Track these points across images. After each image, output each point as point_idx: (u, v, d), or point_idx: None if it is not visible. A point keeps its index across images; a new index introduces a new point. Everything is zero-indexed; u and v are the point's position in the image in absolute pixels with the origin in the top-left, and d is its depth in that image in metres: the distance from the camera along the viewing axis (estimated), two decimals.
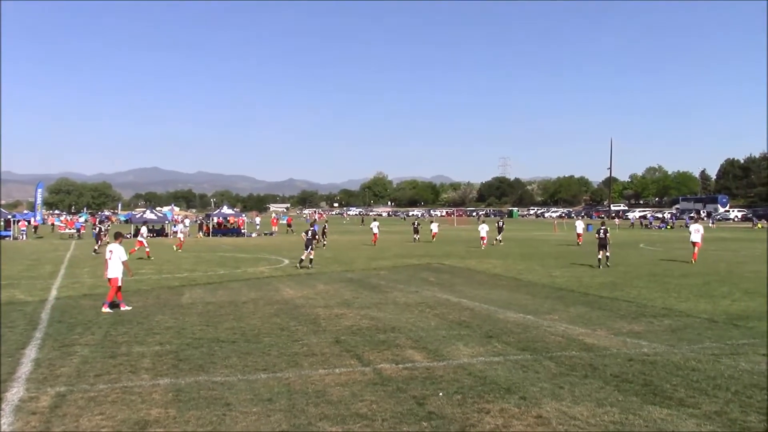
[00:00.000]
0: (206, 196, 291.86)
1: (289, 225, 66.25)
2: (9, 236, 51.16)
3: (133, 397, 7.72)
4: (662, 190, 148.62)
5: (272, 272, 23.09)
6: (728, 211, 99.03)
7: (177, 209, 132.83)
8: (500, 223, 41.11)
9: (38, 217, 71.53)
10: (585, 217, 75.94)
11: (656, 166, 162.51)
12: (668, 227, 69.87)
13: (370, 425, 6.72)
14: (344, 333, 11.58)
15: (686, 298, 15.88)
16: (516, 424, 6.72)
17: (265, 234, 57.84)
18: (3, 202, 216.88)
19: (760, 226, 71.35)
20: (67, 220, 73.78)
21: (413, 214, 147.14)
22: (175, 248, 35.32)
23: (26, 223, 55.86)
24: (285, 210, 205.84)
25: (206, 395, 7.75)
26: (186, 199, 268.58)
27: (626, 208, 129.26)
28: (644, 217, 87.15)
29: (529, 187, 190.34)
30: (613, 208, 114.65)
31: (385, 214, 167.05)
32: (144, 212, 60.40)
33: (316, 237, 27.55)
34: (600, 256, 24.43)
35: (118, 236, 15.40)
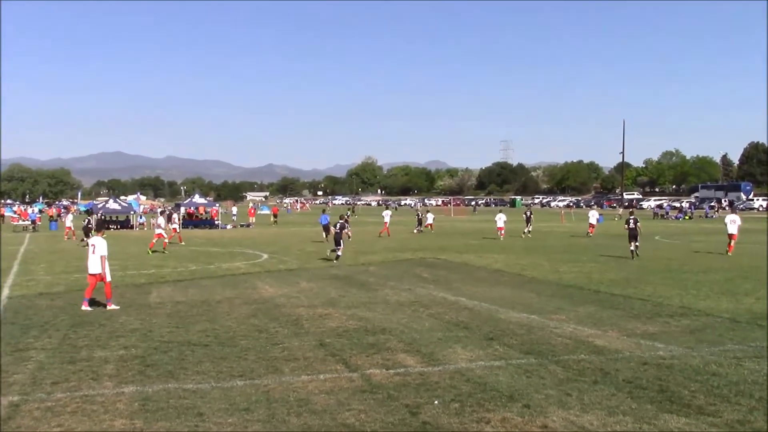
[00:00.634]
0: (176, 183, 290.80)
1: (274, 216, 65.77)
2: None
3: (94, 406, 7.69)
4: (680, 177, 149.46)
5: (249, 268, 23.05)
6: (752, 199, 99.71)
7: (143, 198, 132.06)
8: (528, 213, 41.18)
9: None
10: (596, 206, 76.21)
11: (673, 151, 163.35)
12: (686, 217, 70.26)
13: None
14: (329, 335, 11.58)
15: (706, 295, 16.00)
16: None
17: (242, 226, 57.70)
18: None
19: None
20: (21, 211, 73.22)
21: (406, 204, 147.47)
22: (162, 249, 35.40)
23: None
24: (264, 199, 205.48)
25: (176, 404, 7.73)
26: (153, 186, 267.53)
27: (640, 196, 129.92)
28: (660, 206, 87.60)
29: (533, 174, 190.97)
30: (626, 196, 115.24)
31: (374, 203, 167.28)
32: (107, 202, 60.06)
33: (346, 230, 27.99)
34: (632, 248, 25.91)
35: (100, 228, 15.36)
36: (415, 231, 44.45)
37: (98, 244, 14.71)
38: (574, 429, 6.91)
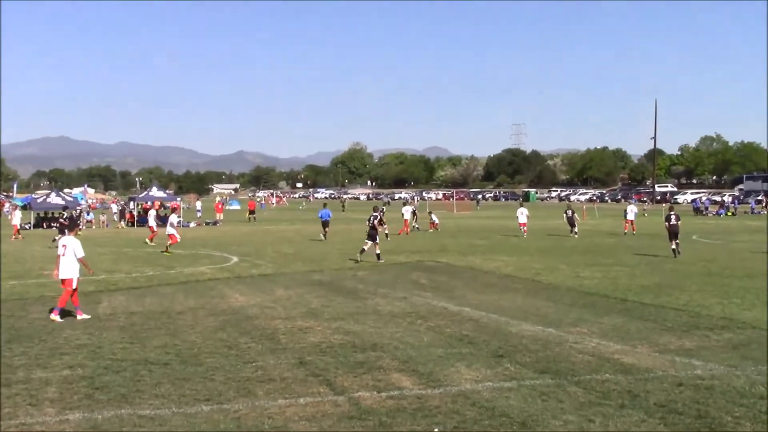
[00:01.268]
0: (130, 174, 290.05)
1: (251, 212, 65.30)
2: None
3: None
4: (721, 166, 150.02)
5: (217, 273, 23.01)
6: None
7: (91, 191, 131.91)
8: (569, 213, 41.41)
9: None
10: (635, 201, 76.57)
11: (714, 136, 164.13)
12: (728, 213, 70.50)
13: None
14: (311, 352, 11.58)
15: (751, 304, 16.07)
16: None
17: (208, 223, 57.61)
18: None
19: None
20: None
21: (401, 198, 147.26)
22: (148, 241, 35.66)
23: None
24: (233, 192, 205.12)
25: None
26: (103, 177, 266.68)
27: (675, 189, 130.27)
28: (698, 200, 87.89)
29: (550, 162, 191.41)
30: (658, 189, 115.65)
31: (363, 197, 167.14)
32: (47, 195, 59.73)
33: (383, 223, 28.63)
34: (673, 246, 27.67)
35: (73, 227, 15.53)
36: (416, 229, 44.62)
37: (71, 245, 14.97)
38: None
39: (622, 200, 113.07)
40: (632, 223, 41.43)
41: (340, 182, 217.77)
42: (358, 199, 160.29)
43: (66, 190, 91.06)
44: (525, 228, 39.82)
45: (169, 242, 30.88)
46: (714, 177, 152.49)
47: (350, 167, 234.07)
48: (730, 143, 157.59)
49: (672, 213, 28.75)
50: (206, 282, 20.81)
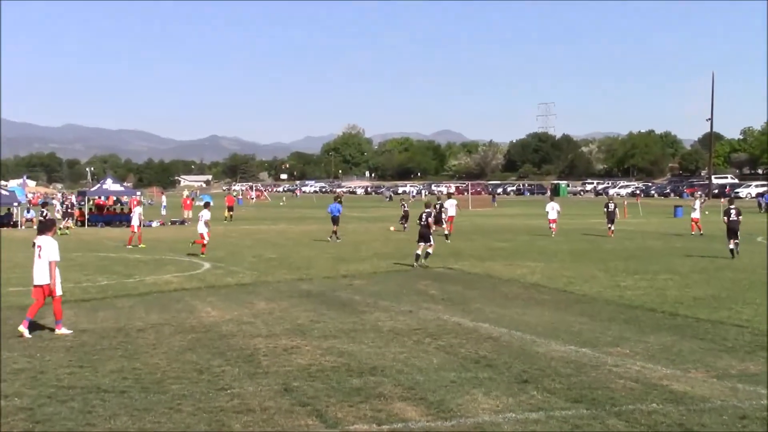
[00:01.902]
0: (79, 162, 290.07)
1: (229, 209, 64.88)
2: None
3: None
4: None
5: (184, 282, 23.01)
6: None
7: (31, 183, 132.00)
8: (611, 206, 41.38)
9: None
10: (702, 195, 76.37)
11: None
12: None
13: None
14: (297, 377, 11.57)
15: None
16: None
17: (173, 222, 57.63)
18: None
19: None
20: None
21: (406, 192, 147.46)
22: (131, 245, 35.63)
23: None
24: (204, 185, 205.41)
25: None
26: (46, 167, 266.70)
27: (736, 180, 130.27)
28: (762, 194, 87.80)
29: (584, 149, 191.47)
30: (715, 181, 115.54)
31: (360, 191, 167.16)
32: None
33: (440, 221, 28.56)
34: (731, 246, 28.84)
35: (51, 226, 15.59)
36: (392, 228, 44.93)
37: (46, 246, 14.97)
38: None
39: (672, 194, 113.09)
40: (697, 222, 41.94)
41: (332, 173, 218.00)
42: (354, 193, 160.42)
43: (2, 183, 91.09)
44: (554, 226, 40.40)
45: (203, 241, 31.51)
46: None
47: (345, 155, 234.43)
48: None
49: (732, 207, 29.69)
50: (172, 293, 20.81)
